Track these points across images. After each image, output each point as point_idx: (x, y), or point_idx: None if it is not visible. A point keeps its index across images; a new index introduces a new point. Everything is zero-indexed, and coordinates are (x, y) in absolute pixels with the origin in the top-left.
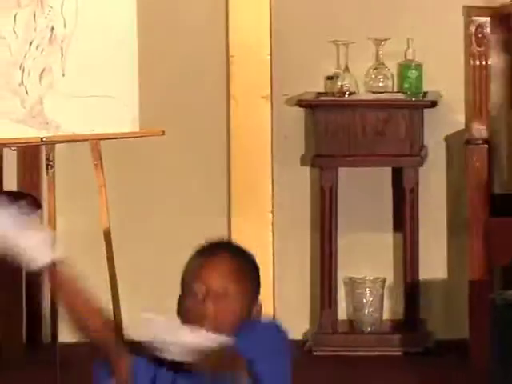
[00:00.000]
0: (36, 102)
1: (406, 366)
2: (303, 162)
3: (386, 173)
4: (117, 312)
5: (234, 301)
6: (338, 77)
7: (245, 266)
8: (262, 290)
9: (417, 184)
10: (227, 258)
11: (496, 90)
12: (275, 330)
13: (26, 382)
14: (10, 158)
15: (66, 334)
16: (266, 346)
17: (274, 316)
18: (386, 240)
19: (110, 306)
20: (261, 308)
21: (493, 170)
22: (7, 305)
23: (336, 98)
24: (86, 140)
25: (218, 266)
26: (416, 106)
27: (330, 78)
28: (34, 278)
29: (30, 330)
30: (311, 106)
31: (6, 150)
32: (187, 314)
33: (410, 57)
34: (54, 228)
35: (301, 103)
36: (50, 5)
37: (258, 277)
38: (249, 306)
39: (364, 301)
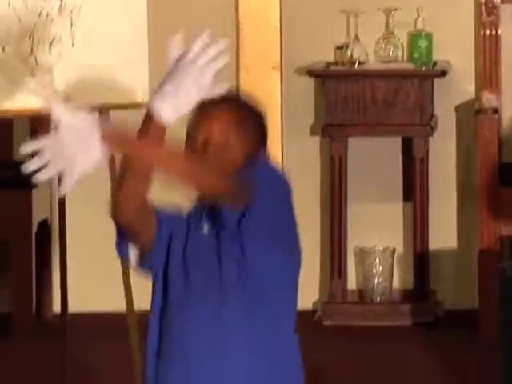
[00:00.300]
0: (46, 72)
1: (415, 335)
2: (313, 132)
3: (396, 142)
4: None
5: (234, 151)
6: (347, 46)
7: (244, 116)
8: None
9: (427, 154)
10: (226, 108)
11: (506, 59)
12: (277, 173)
13: (36, 352)
14: (21, 128)
15: (75, 305)
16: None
17: None
18: (395, 210)
19: None
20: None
21: (503, 140)
22: (17, 275)
23: (346, 68)
24: (96, 110)
25: (216, 117)
26: (426, 75)
27: (340, 47)
28: (43, 248)
29: (39, 299)
30: (321, 76)
31: (16, 120)
32: None
33: (419, 26)
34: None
35: (311, 73)
36: None
37: (263, 127)
38: (251, 157)
39: (374, 270)
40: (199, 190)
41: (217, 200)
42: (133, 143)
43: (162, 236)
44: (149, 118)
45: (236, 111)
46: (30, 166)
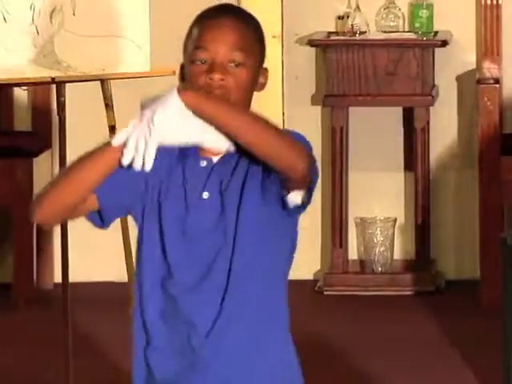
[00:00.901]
0: (47, 41)
1: (416, 305)
2: (314, 102)
3: (397, 112)
4: None
5: (242, 70)
6: (348, 16)
7: (252, 32)
8: None
9: (428, 123)
10: (232, 22)
11: (507, 29)
12: (304, 139)
13: (37, 322)
14: (22, 98)
15: (76, 274)
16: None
17: None
18: (396, 180)
19: None
20: (267, 76)
21: (504, 110)
22: (18, 245)
23: (347, 38)
24: (97, 80)
25: (224, 33)
26: (427, 45)
27: (341, 17)
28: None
29: (40, 269)
30: (322, 46)
31: (17, 90)
32: (194, 83)
33: None
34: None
35: (312, 43)
36: None
37: (264, 42)
38: (256, 75)
39: (375, 240)
40: (273, 161)
41: (286, 172)
42: (206, 98)
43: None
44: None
45: (252, 24)
46: (125, 159)
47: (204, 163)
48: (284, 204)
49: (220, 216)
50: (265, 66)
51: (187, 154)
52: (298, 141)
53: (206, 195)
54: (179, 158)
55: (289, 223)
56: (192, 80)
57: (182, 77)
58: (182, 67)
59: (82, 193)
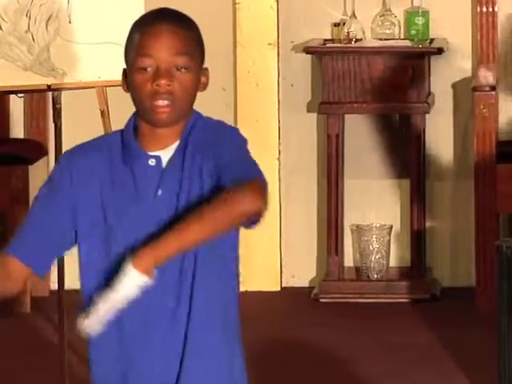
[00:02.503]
0: (43, 49)
1: (412, 312)
2: (310, 109)
3: (393, 120)
4: None
5: (186, 74)
6: (344, 23)
7: (192, 35)
8: (268, 236)
9: (423, 131)
10: (174, 27)
11: (503, 36)
12: (238, 134)
13: (32, 329)
14: (18, 106)
15: (72, 281)
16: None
17: (281, 263)
18: (392, 187)
19: None
20: (208, 75)
21: (500, 117)
22: None
23: (343, 45)
24: (93, 87)
25: (166, 39)
26: (423, 52)
27: (336, 24)
28: None
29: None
30: (318, 53)
31: (13, 97)
32: (139, 90)
33: (416, 3)
34: None
35: (307, 50)
36: None
37: (203, 43)
38: (199, 76)
39: (371, 248)
40: (239, 224)
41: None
42: (160, 249)
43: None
44: None
45: (191, 27)
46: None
47: (153, 161)
48: None
49: (174, 215)
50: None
51: (131, 154)
52: (242, 173)
53: (160, 193)
54: (124, 159)
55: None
56: (137, 88)
57: (126, 87)
58: (125, 75)
59: None
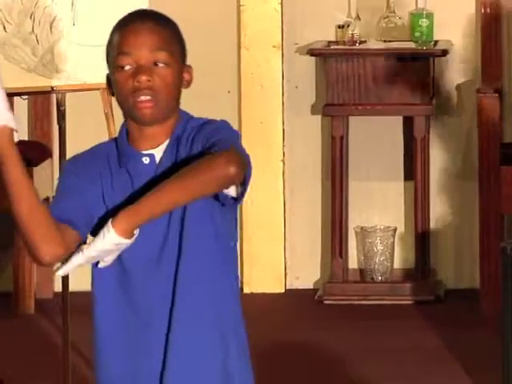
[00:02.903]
0: (47, 50)
1: (416, 314)
2: (314, 111)
3: (397, 122)
4: None
5: (166, 70)
6: (349, 25)
7: (170, 32)
8: (272, 238)
9: (428, 133)
10: (151, 25)
11: (507, 38)
12: (230, 127)
13: (36, 331)
14: (22, 108)
15: (76, 283)
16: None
17: (285, 265)
18: (396, 189)
19: None
20: (191, 73)
21: (504, 119)
22: (19, 254)
23: (347, 47)
24: (97, 89)
25: (144, 36)
26: (427, 54)
27: (340, 26)
28: None
29: (40, 278)
30: (322, 55)
31: (17, 99)
32: (121, 88)
33: (421, 5)
34: None
35: (312, 52)
36: None
37: (183, 41)
38: (180, 73)
39: (375, 250)
40: (213, 190)
41: (228, 184)
42: (137, 213)
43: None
44: None
45: (169, 25)
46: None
47: (147, 159)
48: (217, 197)
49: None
50: (188, 63)
51: (126, 156)
52: (222, 146)
53: None
54: (120, 162)
55: (227, 219)
56: (119, 86)
57: (112, 92)
58: (109, 80)
59: None
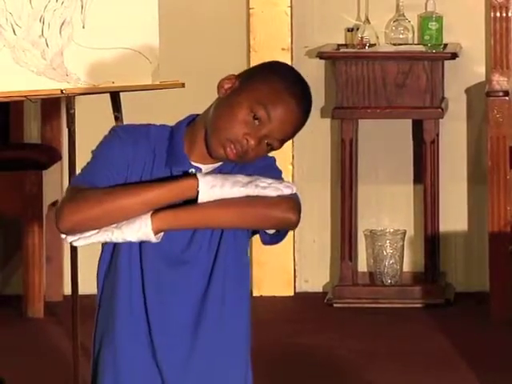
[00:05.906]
0: (56, 54)
1: (426, 318)
2: (324, 114)
3: (407, 125)
4: None
5: (268, 148)
6: (358, 29)
7: (303, 122)
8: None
9: (437, 136)
10: (300, 115)
11: None
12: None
13: (46, 334)
14: (32, 111)
15: (86, 286)
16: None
17: (294, 268)
18: (406, 192)
19: None
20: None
21: None
22: (28, 256)
23: (356, 50)
24: (107, 92)
25: (289, 123)
26: (436, 57)
27: (350, 29)
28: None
29: (50, 281)
30: (331, 58)
31: (27, 103)
32: (228, 120)
33: (430, 8)
34: None
35: (321, 55)
36: None
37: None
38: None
39: (384, 253)
40: (266, 227)
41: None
42: (178, 215)
43: None
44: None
45: (307, 115)
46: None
47: (193, 171)
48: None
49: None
50: None
51: (176, 158)
52: (285, 196)
53: None
54: (167, 160)
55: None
56: (229, 120)
57: (231, 90)
58: (234, 81)
59: (120, 220)
